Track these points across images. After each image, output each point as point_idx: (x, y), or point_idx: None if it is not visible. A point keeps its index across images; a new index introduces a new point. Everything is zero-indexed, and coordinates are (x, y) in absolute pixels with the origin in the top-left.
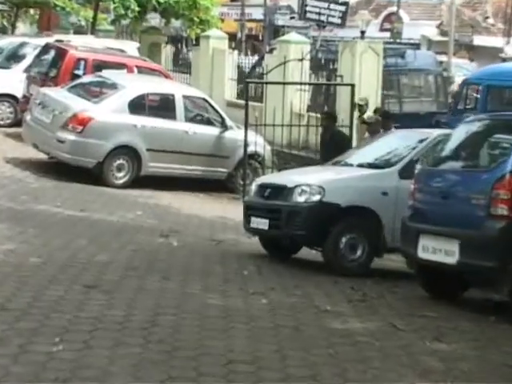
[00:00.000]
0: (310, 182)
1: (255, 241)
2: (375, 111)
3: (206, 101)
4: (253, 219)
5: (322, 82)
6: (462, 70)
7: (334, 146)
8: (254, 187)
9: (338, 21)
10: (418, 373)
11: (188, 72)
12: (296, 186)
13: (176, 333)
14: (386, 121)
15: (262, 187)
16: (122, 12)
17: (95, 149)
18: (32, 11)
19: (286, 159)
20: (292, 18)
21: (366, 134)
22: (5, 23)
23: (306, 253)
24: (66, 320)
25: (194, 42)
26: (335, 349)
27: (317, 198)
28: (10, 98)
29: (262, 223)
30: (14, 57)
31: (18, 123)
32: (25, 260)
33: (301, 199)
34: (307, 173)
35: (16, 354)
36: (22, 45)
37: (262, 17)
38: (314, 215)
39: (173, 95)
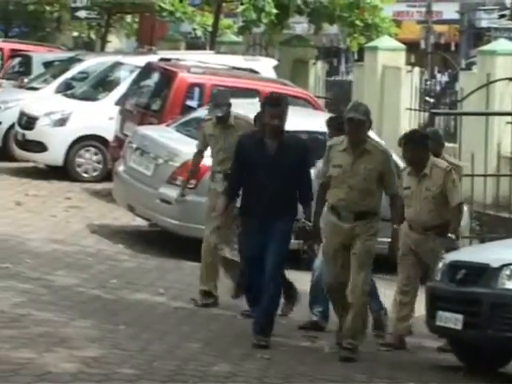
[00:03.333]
0: None
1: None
2: None
3: None
4: (440, 314)
5: None
6: None
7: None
8: (441, 267)
9: None
10: None
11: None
12: (504, 266)
13: None
14: None
15: (454, 267)
16: (254, 16)
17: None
18: (129, 18)
19: (490, 225)
20: (502, 16)
21: None
22: (92, 36)
23: None
24: None
25: (355, 57)
26: None
27: None
28: (96, 141)
29: (452, 320)
30: (104, 83)
31: (107, 176)
32: (112, 372)
33: (511, 285)
34: None
35: None
36: (115, 66)
37: (456, 16)
38: None
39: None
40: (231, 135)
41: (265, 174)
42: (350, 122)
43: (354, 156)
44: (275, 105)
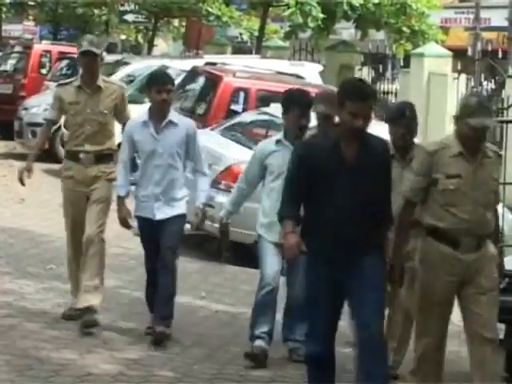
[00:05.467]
0: None
1: None
2: None
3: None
4: None
5: None
6: None
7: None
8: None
9: None
10: None
11: None
12: None
13: None
14: None
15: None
16: (300, 21)
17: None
18: (176, 23)
19: None
20: None
21: None
22: (140, 39)
23: None
24: None
25: (401, 63)
26: None
27: None
28: None
29: None
30: None
31: None
32: (152, 375)
33: None
34: None
35: None
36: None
37: (505, 23)
38: None
39: None
40: (100, 102)
41: (344, 189)
42: (480, 129)
43: (476, 163)
44: (361, 98)
